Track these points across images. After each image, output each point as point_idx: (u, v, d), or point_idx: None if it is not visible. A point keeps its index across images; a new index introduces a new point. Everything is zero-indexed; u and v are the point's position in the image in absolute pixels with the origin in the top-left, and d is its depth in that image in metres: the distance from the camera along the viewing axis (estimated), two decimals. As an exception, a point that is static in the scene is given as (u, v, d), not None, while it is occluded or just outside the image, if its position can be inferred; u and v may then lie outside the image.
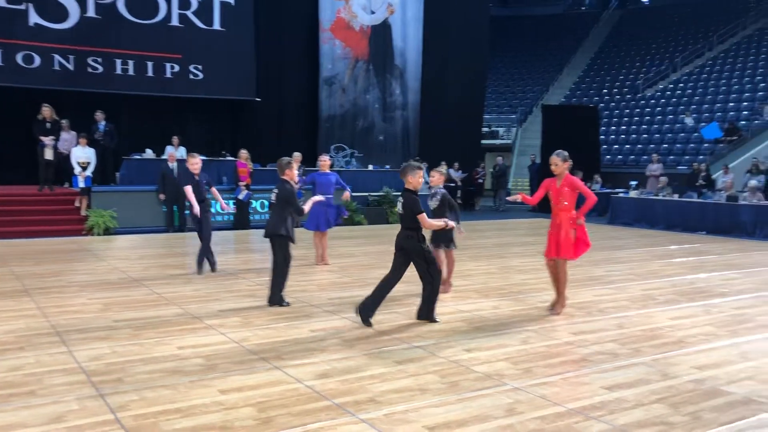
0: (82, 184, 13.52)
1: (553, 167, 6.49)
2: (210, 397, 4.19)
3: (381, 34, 20.63)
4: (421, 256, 6.04)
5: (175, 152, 15.20)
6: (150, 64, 16.88)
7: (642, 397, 4.31)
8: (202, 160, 16.10)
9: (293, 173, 7.09)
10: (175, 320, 6.24)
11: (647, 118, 25.52)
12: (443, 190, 7.43)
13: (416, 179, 6.00)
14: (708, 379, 4.67)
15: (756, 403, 4.22)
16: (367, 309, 6.10)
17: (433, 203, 7.35)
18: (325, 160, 9.99)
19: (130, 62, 16.65)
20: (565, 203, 6.46)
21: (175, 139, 15.91)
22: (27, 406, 4.01)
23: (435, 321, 6.19)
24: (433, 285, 6.14)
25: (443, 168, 7.62)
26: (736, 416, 3.98)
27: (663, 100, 26.07)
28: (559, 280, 6.63)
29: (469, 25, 22.59)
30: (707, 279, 8.85)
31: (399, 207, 6.08)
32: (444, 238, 7.35)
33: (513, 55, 33.62)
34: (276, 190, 6.92)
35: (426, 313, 6.24)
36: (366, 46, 20.44)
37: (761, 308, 7.05)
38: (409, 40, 21.07)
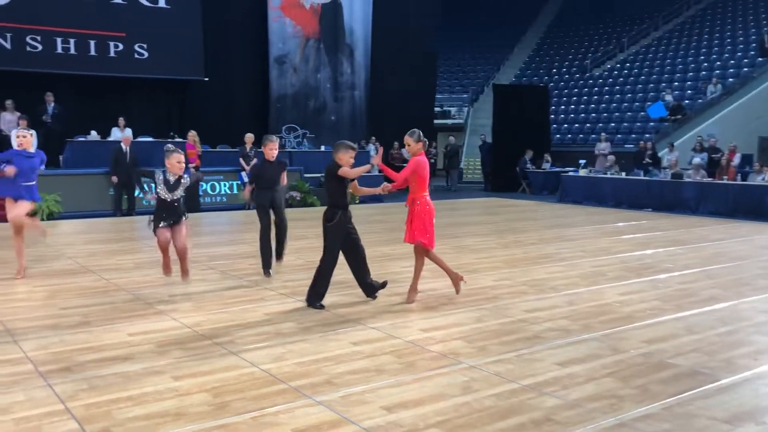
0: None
1: (407, 148, 6.22)
2: (163, 384, 4.11)
3: (331, 12, 20.41)
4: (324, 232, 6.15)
5: (129, 135, 14.77)
6: (92, 43, 16.35)
7: (593, 371, 4.40)
8: (149, 142, 15.84)
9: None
10: (124, 306, 6.10)
11: (595, 97, 25.94)
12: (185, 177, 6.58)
13: (346, 157, 5.97)
14: (656, 353, 4.81)
15: (701, 374, 4.36)
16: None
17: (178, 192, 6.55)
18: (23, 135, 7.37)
19: (72, 41, 16.09)
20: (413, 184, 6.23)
21: (121, 121, 15.48)
22: (-30, 398, 3.87)
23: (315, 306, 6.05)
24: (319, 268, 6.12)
25: (179, 150, 6.63)
26: (682, 388, 4.11)
27: (610, 80, 26.53)
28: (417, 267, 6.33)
29: (420, 3, 22.51)
30: (654, 255, 9.10)
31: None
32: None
33: (464, 34, 33.67)
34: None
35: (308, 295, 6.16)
36: (317, 24, 20.20)
37: (705, 282, 7.28)
38: (359, 18, 20.89)
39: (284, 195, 7.91)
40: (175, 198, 6.55)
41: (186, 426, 3.51)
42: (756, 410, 3.79)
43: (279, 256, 7.94)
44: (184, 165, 6.60)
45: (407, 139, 6.17)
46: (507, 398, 3.93)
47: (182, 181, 6.57)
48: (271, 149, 7.67)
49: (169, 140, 15.95)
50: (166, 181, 6.52)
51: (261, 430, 3.48)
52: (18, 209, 7.25)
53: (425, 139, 6.20)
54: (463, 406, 3.82)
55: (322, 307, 6.03)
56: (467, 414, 3.70)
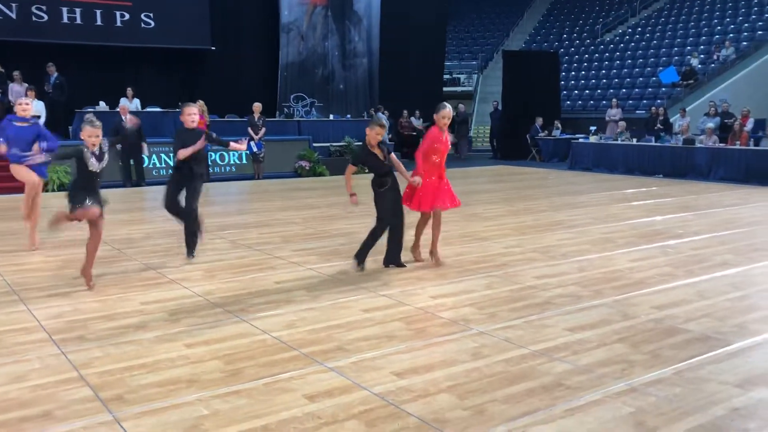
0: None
1: (448, 120, 6.34)
2: (176, 352, 4.15)
3: (338, -21, 20.13)
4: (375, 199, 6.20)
5: (128, 104, 14.76)
6: (98, 13, 16.23)
7: (604, 337, 4.41)
8: (158, 112, 15.79)
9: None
10: (137, 275, 6.14)
11: (606, 63, 25.60)
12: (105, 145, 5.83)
13: (372, 133, 6.10)
14: (666, 318, 4.80)
15: (713, 339, 4.35)
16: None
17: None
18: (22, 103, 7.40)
19: (77, 10, 15.97)
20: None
21: (129, 91, 15.45)
22: (-14, 366, 3.92)
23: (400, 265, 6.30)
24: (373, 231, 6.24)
25: (97, 123, 5.74)
26: (694, 353, 4.11)
27: (622, 45, 26.15)
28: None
29: (429, -31, 22.15)
30: (664, 221, 9.05)
31: None
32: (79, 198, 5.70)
33: (473, 0, 33.20)
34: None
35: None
36: (324, -9, 19.94)
37: (716, 248, 7.24)
38: (367, -16, 20.60)
39: (201, 177, 6.66)
40: (101, 168, 5.77)
41: (199, 392, 3.55)
42: (767, 374, 3.78)
43: (188, 248, 6.79)
44: (98, 140, 5.70)
45: (449, 112, 6.33)
46: (517, 364, 3.95)
47: (104, 152, 5.79)
48: (189, 114, 6.50)
49: (177, 110, 15.91)
50: (92, 153, 5.69)
51: (273, 395, 3.51)
52: (23, 171, 7.27)
53: None
54: (473, 371, 3.83)
55: (362, 269, 6.19)
56: (477, 379, 3.72)
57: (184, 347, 4.23)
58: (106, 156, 5.85)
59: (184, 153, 6.39)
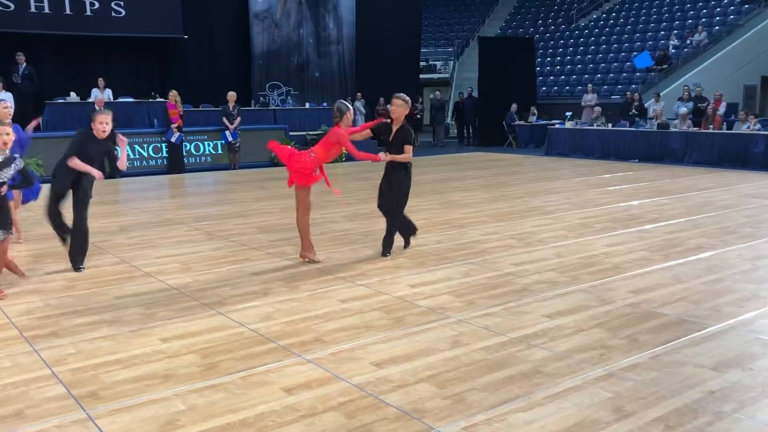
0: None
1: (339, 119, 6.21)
2: (151, 346, 4.09)
3: (312, -35, 19.91)
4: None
5: (101, 96, 14.52)
6: (67, 2, 15.86)
7: (581, 323, 4.42)
8: (130, 103, 15.52)
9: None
10: (110, 269, 6.04)
11: (581, 48, 25.67)
12: (17, 159, 5.15)
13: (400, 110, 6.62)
14: (643, 303, 4.83)
15: (688, 323, 4.39)
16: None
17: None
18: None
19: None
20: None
21: (101, 82, 15.16)
22: (-45, 366, 3.83)
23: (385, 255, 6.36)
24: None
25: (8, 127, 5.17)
26: (670, 336, 4.14)
27: (596, 30, 26.23)
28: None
29: (403, -45, 22.00)
30: (640, 206, 9.11)
31: None
32: None
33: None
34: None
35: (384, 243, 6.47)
36: (297, -22, 19.71)
37: (691, 232, 7.31)
38: (341, -29, 20.40)
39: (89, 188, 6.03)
40: (1, 180, 5.02)
41: (175, 387, 3.50)
42: (742, 356, 3.82)
43: (72, 260, 6.02)
44: (11, 138, 5.11)
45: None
46: (496, 351, 3.95)
47: (15, 164, 5.08)
48: (101, 123, 5.75)
49: (150, 100, 15.69)
50: None
51: (251, 389, 3.47)
52: None
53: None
54: (452, 360, 3.83)
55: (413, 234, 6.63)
56: (456, 368, 3.71)
57: (160, 341, 4.17)
58: (11, 171, 5.05)
59: (76, 164, 5.69)
